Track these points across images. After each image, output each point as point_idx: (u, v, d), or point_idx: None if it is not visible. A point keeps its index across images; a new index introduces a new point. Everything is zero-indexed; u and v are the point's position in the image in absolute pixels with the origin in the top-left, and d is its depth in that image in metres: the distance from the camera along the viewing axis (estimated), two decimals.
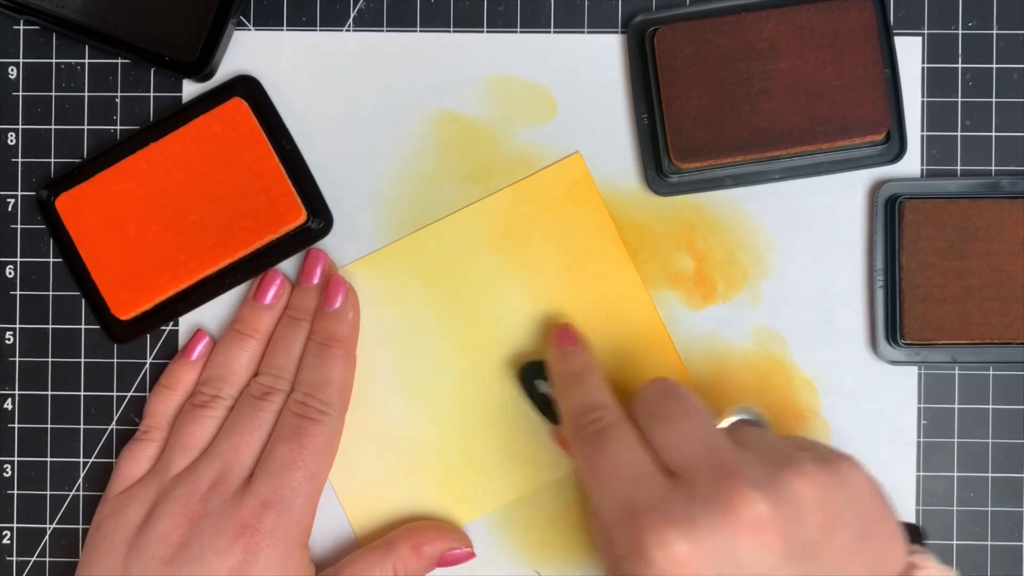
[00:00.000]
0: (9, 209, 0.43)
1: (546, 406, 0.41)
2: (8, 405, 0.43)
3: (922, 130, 0.42)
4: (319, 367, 0.40)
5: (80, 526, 0.43)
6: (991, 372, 0.42)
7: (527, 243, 0.43)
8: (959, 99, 0.42)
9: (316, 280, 0.42)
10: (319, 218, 0.42)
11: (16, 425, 0.43)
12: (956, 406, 0.42)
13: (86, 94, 0.43)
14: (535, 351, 0.42)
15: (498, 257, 0.43)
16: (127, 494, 0.40)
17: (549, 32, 0.43)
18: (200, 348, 0.42)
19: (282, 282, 0.42)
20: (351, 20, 0.43)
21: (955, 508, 0.42)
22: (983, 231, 0.41)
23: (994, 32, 0.42)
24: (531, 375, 0.41)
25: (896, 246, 0.41)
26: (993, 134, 0.42)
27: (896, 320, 0.41)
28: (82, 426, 0.43)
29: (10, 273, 0.43)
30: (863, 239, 0.42)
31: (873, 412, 0.42)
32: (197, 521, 0.38)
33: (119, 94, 0.43)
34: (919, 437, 0.42)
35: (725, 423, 0.38)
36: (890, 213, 0.41)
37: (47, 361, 0.43)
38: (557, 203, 0.43)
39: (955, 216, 0.41)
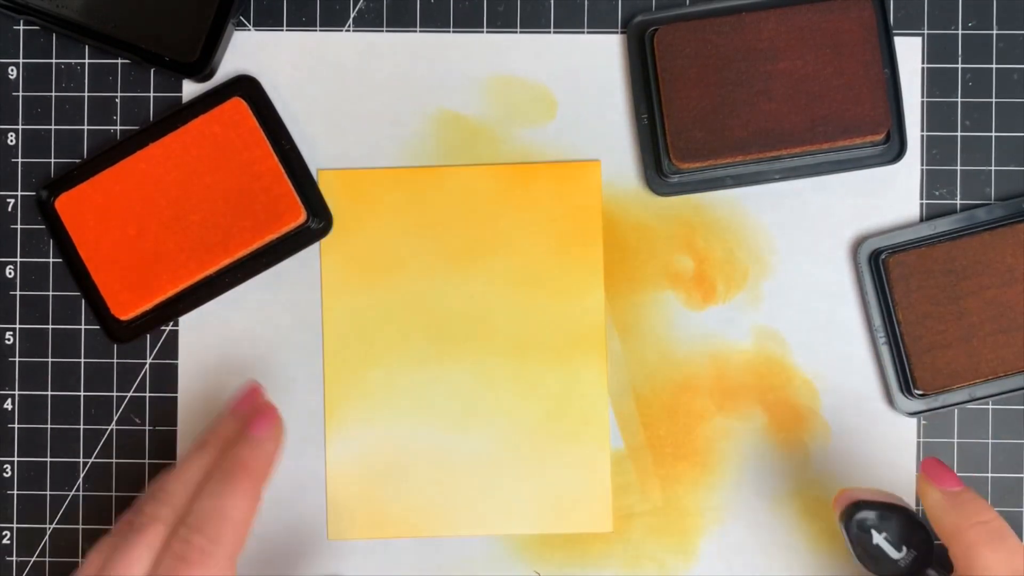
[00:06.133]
0: (9, 209, 0.43)
1: (875, 557, 0.37)
2: (8, 405, 0.43)
3: (922, 130, 0.42)
4: (217, 495, 0.34)
5: (80, 526, 0.43)
6: None
7: (514, 223, 0.43)
8: (959, 99, 0.42)
9: (242, 409, 0.38)
10: (319, 218, 0.42)
11: (16, 425, 0.43)
12: (956, 406, 0.42)
13: (86, 94, 0.43)
14: (859, 491, 0.38)
15: (482, 228, 0.43)
16: None
17: (549, 32, 0.43)
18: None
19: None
20: (351, 20, 0.43)
21: None
22: (971, 268, 0.41)
23: (994, 32, 0.42)
24: (864, 522, 0.37)
25: (890, 302, 0.41)
26: (993, 134, 0.42)
27: (907, 373, 0.41)
28: (82, 426, 0.43)
29: (10, 273, 0.43)
30: (861, 238, 0.42)
31: (873, 412, 0.42)
32: None
33: (119, 94, 0.43)
34: (919, 437, 0.42)
35: None
36: (876, 269, 0.41)
37: (47, 361, 0.43)
38: (559, 198, 0.42)
39: (940, 260, 0.41)
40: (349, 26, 0.43)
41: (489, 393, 0.42)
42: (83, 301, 0.43)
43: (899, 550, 0.36)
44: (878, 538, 0.37)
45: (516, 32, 0.43)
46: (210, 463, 0.36)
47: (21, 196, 0.43)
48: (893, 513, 0.37)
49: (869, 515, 0.37)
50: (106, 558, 0.34)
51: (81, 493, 0.43)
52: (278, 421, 0.37)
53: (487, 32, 0.43)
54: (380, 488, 0.42)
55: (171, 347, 0.43)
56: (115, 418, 0.43)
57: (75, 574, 0.35)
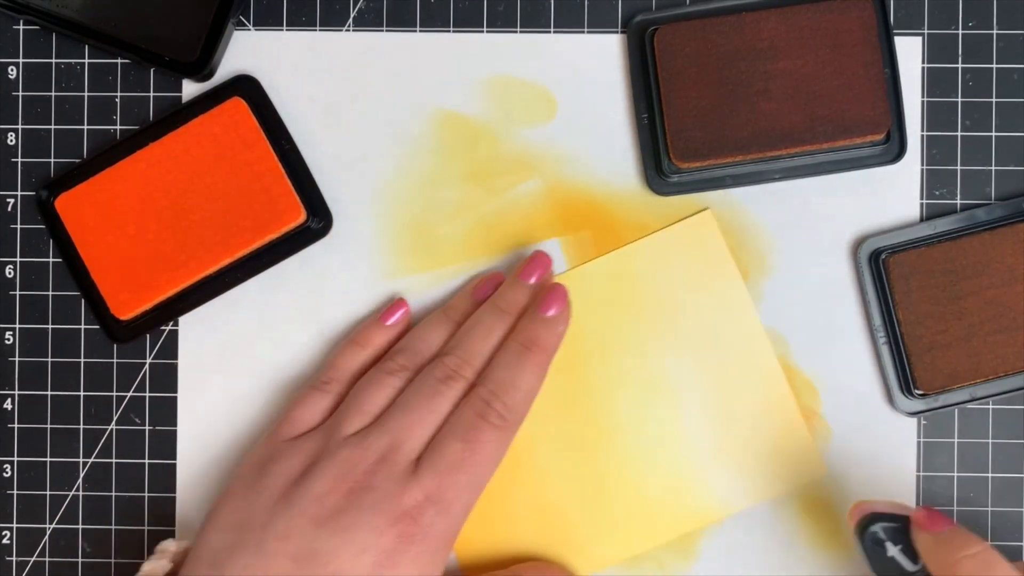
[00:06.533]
0: (9, 209, 0.43)
1: (890, 570, 0.36)
2: (8, 405, 0.43)
3: (922, 130, 0.42)
4: (514, 367, 0.38)
5: (80, 526, 0.43)
6: None
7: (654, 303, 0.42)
8: (959, 99, 0.42)
9: (533, 280, 0.40)
10: (319, 218, 0.42)
11: (16, 425, 0.43)
12: (956, 406, 0.42)
13: (86, 94, 0.43)
14: (874, 503, 0.38)
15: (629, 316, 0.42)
16: (294, 443, 0.38)
17: (549, 32, 0.43)
18: (397, 315, 0.41)
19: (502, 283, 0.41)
20: (351, 20, 0.43)
21: (955, 508, 0.42)
22: (971, 268, 0.41)
23: (994, 32, 0.42)
24: (877, 534, 0.37)
25: (890, 302, 0.41)
26: (993, 134, 0.42)
27: (907, 373, 0.41)
28: (82, 426, 0.43)
29: (10, 273, 0.43)
30: (861, 238, 0.42)
31: (873, 412, 0.42)
32: (357, 492, 0.36)
33: (119, 94, 0.43)
34: (919, 437, 0.42)
35: None
36: (876, 269, 0.41)
37: (47, 361, 0.43)
38: (685, 265, 0.42)
39: (940, 260, 0.41)
40: (349, 26, 0.43)
41: (666, 395, 0.42)
42: (83, 301, 0.43)
43: (915, 562, 0.36)
44: (893, 551, 0.36)
45: (516, 32, 0.43)
46: (506, 331, 0.39)
47: (21, 196, 0.43)
48: (908, 525, 0.36)
49: (883, 527, 0.37)
50: (419, 396, 0.38)
51: (81, 493, 0.43)
52: (568, 302, 0.40)
53: (487, 32, 0.43)
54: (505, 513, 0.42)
55: (171, 347, 0.43)
56: (115, 418, 0.43)
57: (365, 397, 0.39)
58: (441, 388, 0.38)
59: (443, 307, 0.42)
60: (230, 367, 0.43)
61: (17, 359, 0.43)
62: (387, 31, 0.43)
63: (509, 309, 0.40)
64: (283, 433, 0.39)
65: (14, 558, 0.43)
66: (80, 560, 0.43)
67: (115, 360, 0.43)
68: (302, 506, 0.36)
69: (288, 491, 0.37)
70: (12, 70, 0.43)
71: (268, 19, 0.43)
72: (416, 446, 0.37)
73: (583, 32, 0.43)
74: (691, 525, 0.42)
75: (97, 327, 0.43)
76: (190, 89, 0.43)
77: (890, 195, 0.42)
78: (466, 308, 0.41)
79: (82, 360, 0.43)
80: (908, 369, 0.41)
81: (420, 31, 0.43)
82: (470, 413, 0.38)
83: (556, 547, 0.42)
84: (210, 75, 0.43)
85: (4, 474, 0.43)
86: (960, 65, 0.42)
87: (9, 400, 0.43)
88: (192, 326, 0.43)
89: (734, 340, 0.42)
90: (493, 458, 0.38)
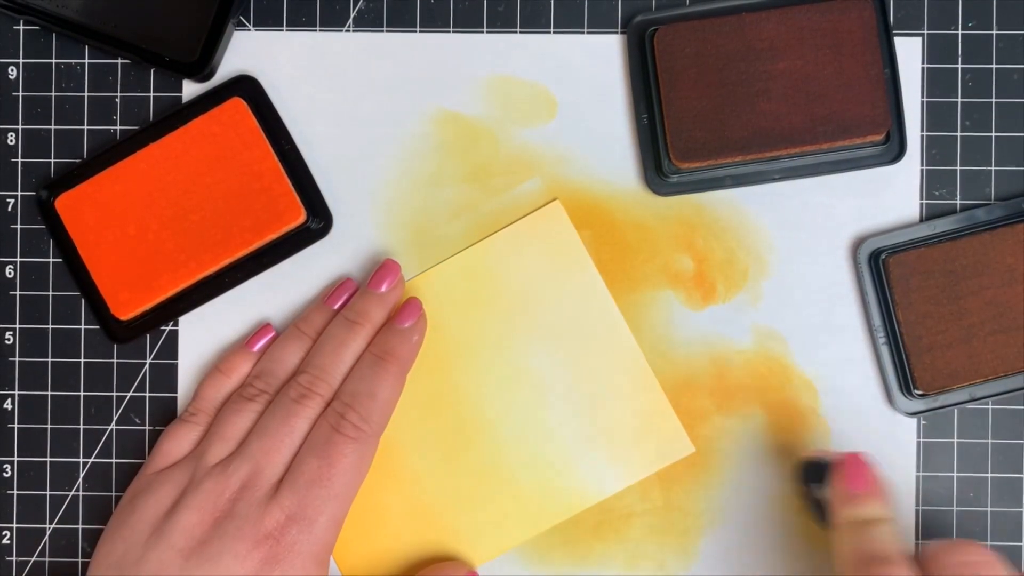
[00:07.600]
0: (9, 209, 0.43)
1: (819, 509, 0.39)
2: (8, 405, 0.43)
3: (922, 130, 0.42)
4: (368, 379, 0.39)
5: (80, 526, 0.43)
6: None
7: (515, 295, 0.43)
8: (959, 99, 0.42)
9: (383, 289, 0.41)
10: (319, 218, 0.42)
11: (16, 425, 0.43)
12: (956, 406, 0.42)
13: (86, 94, 0.43)
14: (810, 446, 0.42)
15: (487, 309, 0.43)
16: (163, 475, 0.40)
17: (549, 32, 0.43)
18: (263, 342, 0.42)
19: (356, 289, 0.42)
20: (351, 20, 0.43)
21: (955, 508, 0.42)
22: (971, 268, 0.41)
23: (994, 32, 0.42)
24: (808, 475, 0.39)
25: (890, 302, 0.41)
26: (993, 134, 0.42)
27: (906, 373, 0.41)
28: (82, 426, 0.43)
29: (10, 273, 0.43)
30: (861, 238, 0.42)
31: (873, 412, 0.42)
32: (221, 521, 0.37)
33: (119, 94, 0.43)
34: (919, 437, 0.42)
35: None
36: (876, 269, 0.41)
37: (47, 361, 0.43)
38: (539, 256, 0.42)
39: (940, 261, 0.41)
40: (349, 26, 0.43)
41: (527, 386, 0.42)
42: (83, 301, 0.43)
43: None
44: (819, 492, 0.39)
45: (516, 32, 0.43)
46: (361, 347, 0.40)
47: (21, 196, 0.43)
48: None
49: (815, 470, 0.39)
50: (275, 419, 0.39)
51: (81, 493, 0.43)
52: (423, 313, 0.41)
53: (487, 32, 0.43)
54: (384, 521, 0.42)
55: (171, 347, 0.43)
56: (115, 418, 0.43)
57: (227, 425, 0.39)
58: (296, 408, 0.39)
59: (297, 321, 0.42)
60: None
61: (17, 359, 0.43)
62: (387, 31, 0.43)
63: (359, 320, 0.40)
64: (153, 466, 0.40)
65: (14, 558, 0.43)
66: (80, 560, 0.43)
67: (115, 360, 0.43)
68: (171, 539, 0.37)
69: (159, 524, 0.38)
70: (12, 70, 0.43)
71: (268, 19, 0.43)
72: (277, 469, 0.38)
73: (583, 32, 0.43)
74: (568, 512, 0.42)
75: (97, 327, 0.43)
76: (190, 89, 0.43)
77: (890, 195, 0.42)
78: (320, 320, 0.41)
79: (82, 360, 0.43)
80: (908, 369, 0.41)
81: (420, 31, 0.43)
82: (326, 428, 0.38)
83: (436, 548, 0.42)
84: (210, 75, 0.43)
85: (4, 474, 0.43)
86: (960, 65, 0.42)
87: (9, 400, 0.43)
88: (192, 326, 0.43)
89: (593, 327, 0.42)
90: (353, 469, 0.38)
